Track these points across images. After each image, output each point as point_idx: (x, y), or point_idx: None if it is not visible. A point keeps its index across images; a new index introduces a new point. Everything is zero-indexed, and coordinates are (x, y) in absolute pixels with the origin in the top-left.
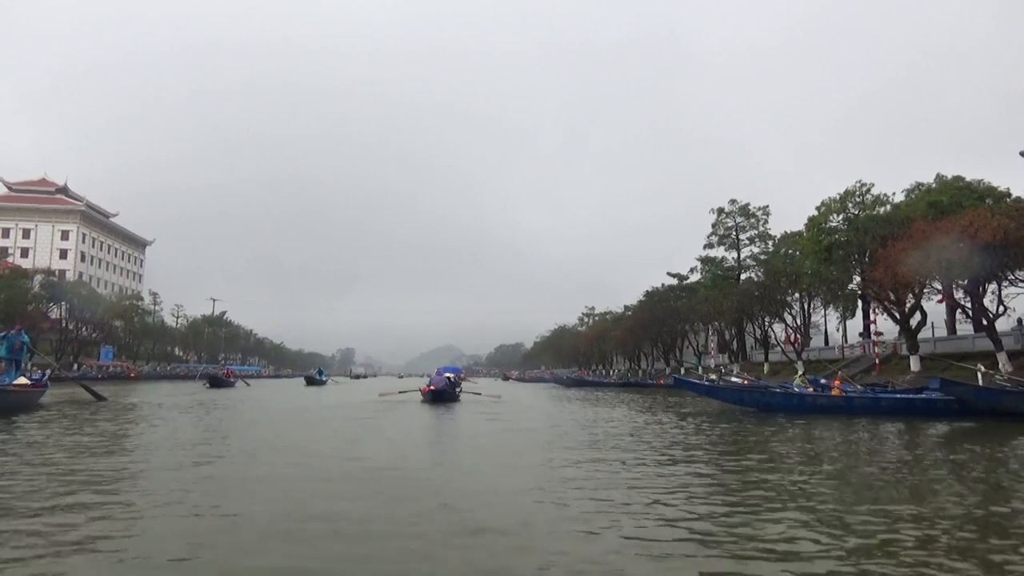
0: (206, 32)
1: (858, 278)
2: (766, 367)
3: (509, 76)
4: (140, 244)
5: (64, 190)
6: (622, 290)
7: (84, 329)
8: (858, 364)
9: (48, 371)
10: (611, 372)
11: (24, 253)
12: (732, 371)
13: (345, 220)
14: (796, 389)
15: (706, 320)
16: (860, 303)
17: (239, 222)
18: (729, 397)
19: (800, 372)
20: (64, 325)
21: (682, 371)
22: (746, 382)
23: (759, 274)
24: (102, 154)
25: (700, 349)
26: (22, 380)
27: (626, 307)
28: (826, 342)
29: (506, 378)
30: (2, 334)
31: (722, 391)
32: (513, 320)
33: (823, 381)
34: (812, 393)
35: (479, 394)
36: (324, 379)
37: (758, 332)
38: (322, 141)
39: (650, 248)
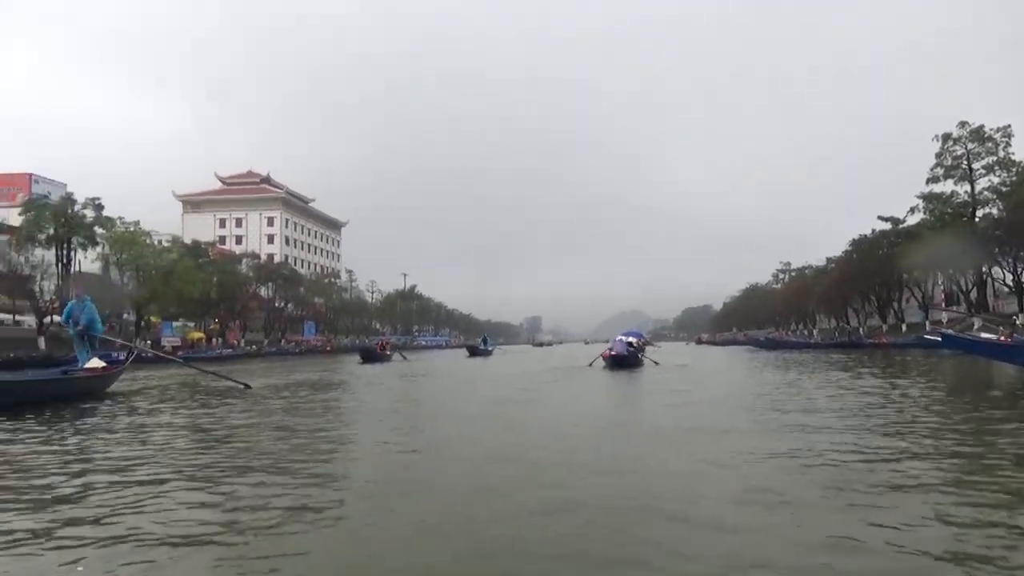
0: (399, 31)
1: None
2: (1022, 318)
3: (649, 50)
4: (336, 226)
5: (267, 180)
6: (816, 242)
7: (288, 306)
8: None
9: (128, 352)
10: (813, 332)
11: (238, 240)
12: (975, 324)
13: (528, 196)
14: None
15: (935, 267)
16: None
17: (428, 201)
18: None
19: None
20: (272, 304)
21: (944, 324)
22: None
23: (1001, 208)
24: (298, 145)
25: (928, 300)
26: (94, 363)
27: (828, 259)
28: None
29: (699, 342)
30: (68, 304)
31: None
32: (699, 282)
33: None
34: None
35: (657, 363)
36: (489, 349)
37: (1007, 277)
38: (500, 125)
39: (841, 194)
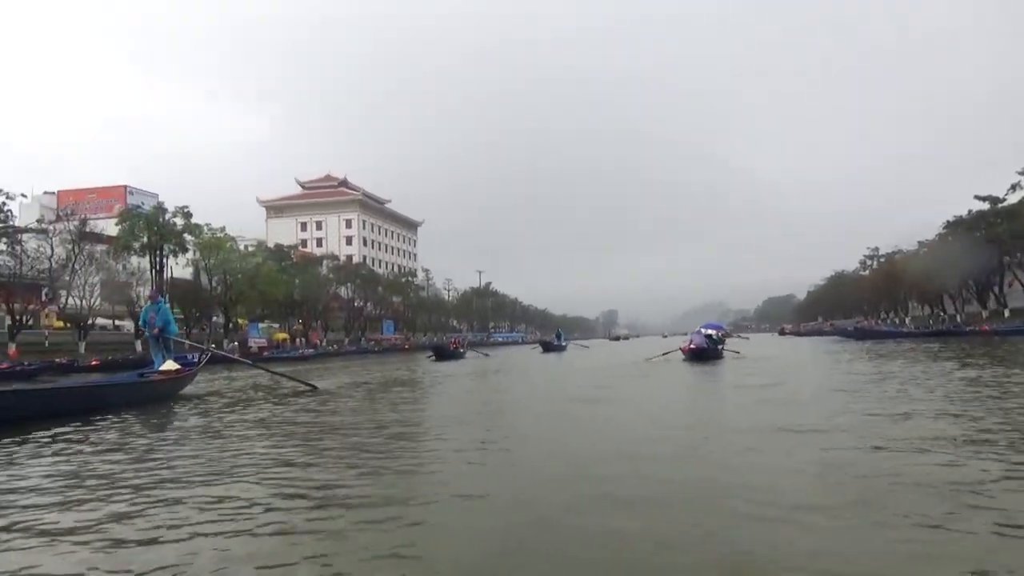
0: (476, 37)
1: None
2: None
3: (715, 40)
4: (412, 225)
5: (345, 183)
6: (906, 226)
7: (368, 306)
8: None
9: (200, 354)
10: (906, 320)
11: (319, 243)
12: None
13: (604, 192)
14: None
15: None
16: None
17: (504, 199)
18: None
19: None
20: (352, 304)
21: None
22: None
23: None
24: (375, 147)
25: None
26: (168, 365)
27: (920, 243)
28: None
29: (781, 332)
30: (144, 307)
31: None
32: (780, 272)
33: None
34: None
35: (738, 353)
36: (564, 344)
37: None
38: (577, 124)
39: (925, 179)
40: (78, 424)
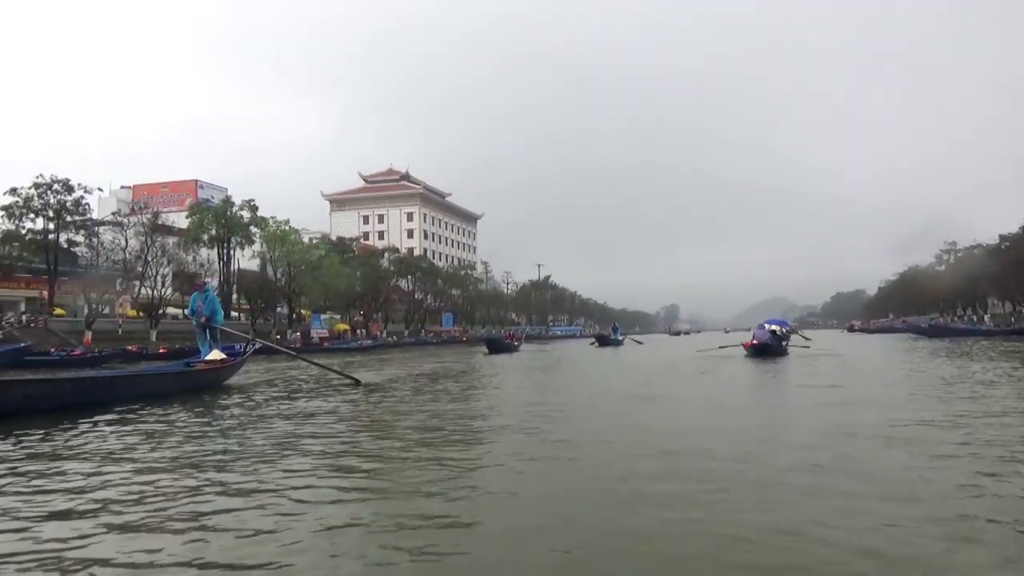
0: (538, 35)
1: None
2: None
3: (781, 35)
4: (472, 218)
5: (407, 177)
6: (981, 219)
7: (428, 298)
8: None
9: (246, 344)
10: (984, 317)
11: (380, 236)
12: None
13: (668, 185)
14: None
15: None
16: None
17: (565, 193)
18: None
19: None
20: (412, 296)
21: None
22: None
23: None
24: (437, 141)
25: None
26: (214, 355)
27: (1002, 237)
28: None
29: (850, 329)
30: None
31: None
32: (848, 267)
33: None
34: None
35: (807, 341)
36: (619, 338)
37: None
38: (640, 117)
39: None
40: (123, 412)
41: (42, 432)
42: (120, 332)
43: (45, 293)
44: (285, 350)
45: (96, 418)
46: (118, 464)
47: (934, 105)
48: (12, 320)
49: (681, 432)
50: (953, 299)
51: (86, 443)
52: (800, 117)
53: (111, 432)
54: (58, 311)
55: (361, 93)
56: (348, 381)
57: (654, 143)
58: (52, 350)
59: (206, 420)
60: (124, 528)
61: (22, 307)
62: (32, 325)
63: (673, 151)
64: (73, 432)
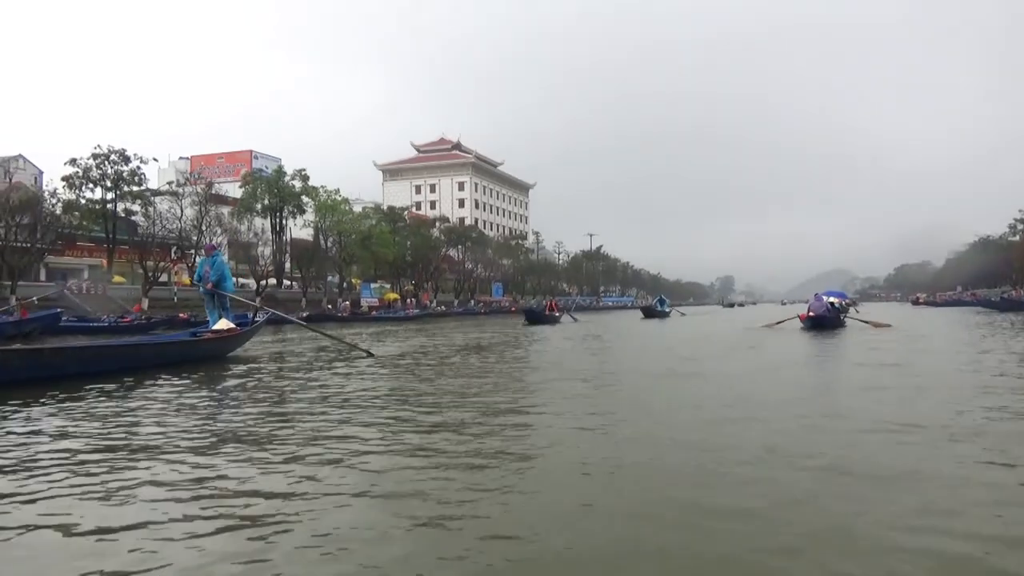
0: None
1: None
2: None
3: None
4: (524, 188)
5: (458, 146)
6: None
7: (478, 268)
8: None
9: (256, 313)
10: None
11: (432, 205)
12: None
13: (725, 154)
14: None
15: None
16: None
17: (620, 163)
18: None
19: None
20: (462, 266)
21: None
22: None
23: None
24: (490, 110)
25: None
26: (222, 324)
27: None
28: None
29: (915, 302)
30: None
31: None
32: (914, 237)
33: None
34: None
35: (867, 323)
36: (666, 310)
37: None
38: (696, 87)
39: None
40: (127, 381)
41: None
42: (176, 300)
43: (105, 261)
44: (296, 320)
45: (96, 386)
46: (68, 442)
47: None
48: (72, 287)
49: (697, 423)
50: None
51: (52, 417)
52: (865, 88)
53: (81, 407)
54: (118, 278)
55: (418, 66)
56: (362, 354)
57: (715, 113)
58: (104, 316)
59: (195, 394)
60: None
61: (85, 274)
62: (91, 292)
63: (735, 122)
64: (49, 406)
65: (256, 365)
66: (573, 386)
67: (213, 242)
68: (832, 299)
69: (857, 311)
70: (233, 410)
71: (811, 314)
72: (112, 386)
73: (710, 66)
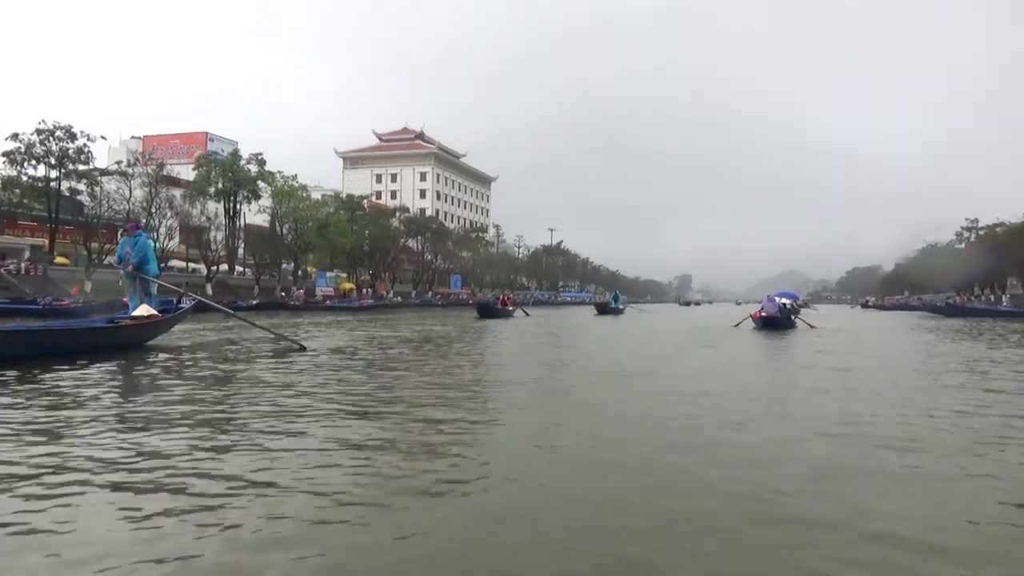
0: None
1: None
2: None
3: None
4: (486, 181)
5: (421, 135)
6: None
7: (437, 259)
8: None
9: (178, 298)
10: (1003, 297)
11: (393, 195)
12: None
13: (685, 151)
14: None
15: None
16: None
17: (581, 158)
18: None
19: None
20: (421, 257)
21: None
22: None
23: None
24: (452, 102)
25: None
26: (143, 310)
27: None
28: None
29: (864, 305)
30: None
31: None
32: (867, 242)
33: None
34: None
35: (813, 327)
36: (620, 307)
37: None
38: (648, 86)
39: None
40: (34, 371)
41: None
42: (121, 284)
43: (47, 241)
44: (223, 309)
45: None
46: None
47: (975, 85)
48: (11, 268)
49: (650, 436)
50: (971, 279)
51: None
52: (833, 87)
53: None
54: (61, 260)
55: (381, 53)
56: (293, 346)
57: (678, 108)
58: (39, 300)
59: (99, 386)
60: None
61: (26, 254)
62: (31, 273)
63: (699, 126)
64: None
65: (175, 356)
66: (502, 390)
67: (141, 222)
68: (784, 300)
69: (815, 312)
70: (131, 404)
71: (763, 314)
72: (12, 374)
73: (674, 74)
